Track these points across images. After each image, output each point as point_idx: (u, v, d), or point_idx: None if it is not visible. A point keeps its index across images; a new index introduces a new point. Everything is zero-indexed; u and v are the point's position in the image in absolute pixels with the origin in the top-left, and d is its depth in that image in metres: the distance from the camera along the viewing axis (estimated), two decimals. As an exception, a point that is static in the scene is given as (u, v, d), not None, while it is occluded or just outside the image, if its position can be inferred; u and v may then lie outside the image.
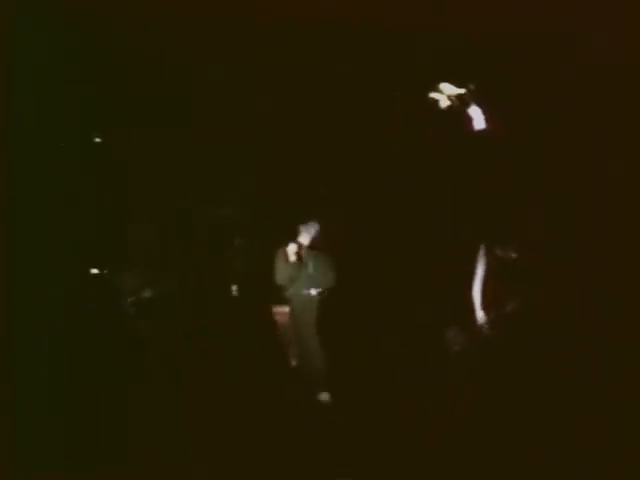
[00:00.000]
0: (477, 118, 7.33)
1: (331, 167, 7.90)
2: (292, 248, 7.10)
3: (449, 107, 7.41)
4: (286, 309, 7.43)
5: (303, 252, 7.16)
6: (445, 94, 7.42)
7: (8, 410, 5.75)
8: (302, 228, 7.23)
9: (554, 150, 7.06)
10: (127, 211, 7.86)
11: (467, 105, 7.35)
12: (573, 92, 6.95)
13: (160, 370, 7.03)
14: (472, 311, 6.95)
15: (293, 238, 7.21)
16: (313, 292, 7.17)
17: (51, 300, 6.39)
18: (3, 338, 5.96)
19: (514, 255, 6.86)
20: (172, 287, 7.86)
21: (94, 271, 7.62)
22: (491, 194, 7.25)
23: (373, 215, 7.84)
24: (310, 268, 7.15)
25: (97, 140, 7.32)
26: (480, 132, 7.37)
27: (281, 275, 7.18)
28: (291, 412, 6.60)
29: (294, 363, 7.45)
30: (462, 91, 7.39)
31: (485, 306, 6.90)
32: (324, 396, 7.02)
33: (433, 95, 7.43)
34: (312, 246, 7.21)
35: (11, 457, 5.43)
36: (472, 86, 7.33)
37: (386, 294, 7.72)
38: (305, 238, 7.20)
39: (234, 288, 8.21)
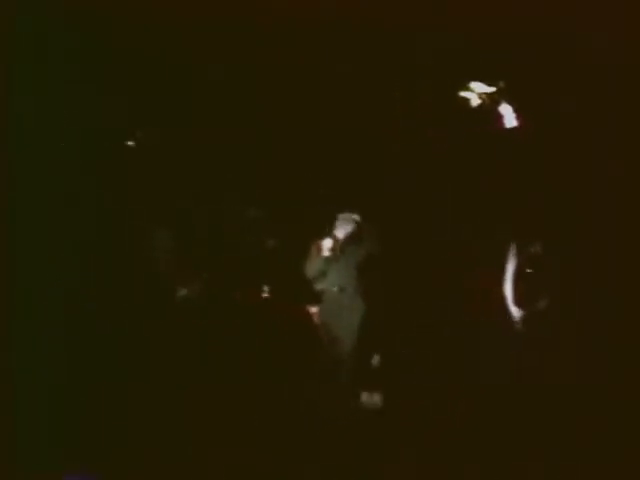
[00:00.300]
0: (508, 116, 7.33)
1: (362, 156, 7.85)
2: (326, 242, 7.07)
3: (480, 105, 7.43)
4: (315, 309, 7.39)
5: (338, 246, 7.13)
6: (476, 92, 7.43)
7: (8, 410, 5.75)
8: (338, 222, 7.19)
9: (563, 149, 7.07)
10: (139, 212, 7.84)
11: (497, 103, 7.36)
12: (574, 92, 6.96)
13: (165, 372, 7.00)
14: (504, 307, 6.95)
15: (323, 235, 7.19)
16: (348, 288, 7.15)
17: (52, 299, 6.39)
18: (3, 338, 5.96)
19: (542, 252, 6.87)
20: (190, 289, 7.85)
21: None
22: (520, 190, 7.25)
23: (400, 213, 7.81)
24: (345, 262, 7.15)
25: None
26: (511, 127, 7.36)
27: (312, 268, 7.15)
28: (318, 416, 6.57)
29: (326, 363, 7.37)
30: (493, 89, 7.40)
31: (517, 302, 6.90)
32: (355, 397, 6.99)
33: (464, 94, 7.45)
34: (348, 240, 7.21)
35: (11, 457, 5.44)
36: (502, 84, 7.34)
37: (417, 294, 7.66)
38: (341, 232, 7.16)
39: (263, 289, 8.14)
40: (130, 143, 7.74)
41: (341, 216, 7.15)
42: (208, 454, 5.70)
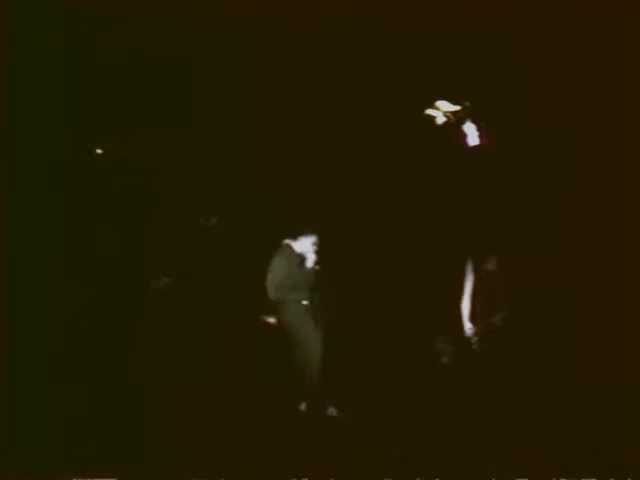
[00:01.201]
0: (471, 134, 7.46)
1: (329, 170, 7.90)
2: (297, 253, 7.08)
3: (445, 123, 7.53)
4: (274, 319, 7.29)
5: (305, 257, 7.13)
6: (442, 111, 7.54)
7: (8, 410, 5.73)
8: (301, 234, 7.18)
9: (553, 155, 7.10)
10: (126, 213, 7.85)
11: (463, 121, 7.47)
12: (573, 93, 6.97)
13: (161, 373, 7.00)
14: (460, 323, 7.01)
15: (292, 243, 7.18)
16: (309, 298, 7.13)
17: (53, 297, 6.36)
18: (3, 338, 5.93)
19: (501, 268, 6.94)
20: (169, 291, 7.87)
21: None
22: (479, 207, 7.33)
23: (367, 222, 7.85)
24: (310, 273, 7.13)
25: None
26: (474, 145, 7.47)
27: (284, 280, 7.08)
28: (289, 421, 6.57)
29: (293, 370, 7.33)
30: (458, 108, 7.51)
31: (473, 318, 6.96)
32: (324, 405, 6.97)
33: (430, 112, 7.55)
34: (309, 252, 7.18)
35: (11, 457, 5.42)
36: (468, 103, 7.46)
37: (378, 302, 7.71)
38: (303, 244, 7.16)
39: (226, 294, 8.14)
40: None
41: (306, 232, 7.16)
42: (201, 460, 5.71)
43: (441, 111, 7.61)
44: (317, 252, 7.11)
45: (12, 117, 6.18)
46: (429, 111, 7.64)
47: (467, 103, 7.51)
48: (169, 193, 8.08)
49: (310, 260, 7.09)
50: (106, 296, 7.50)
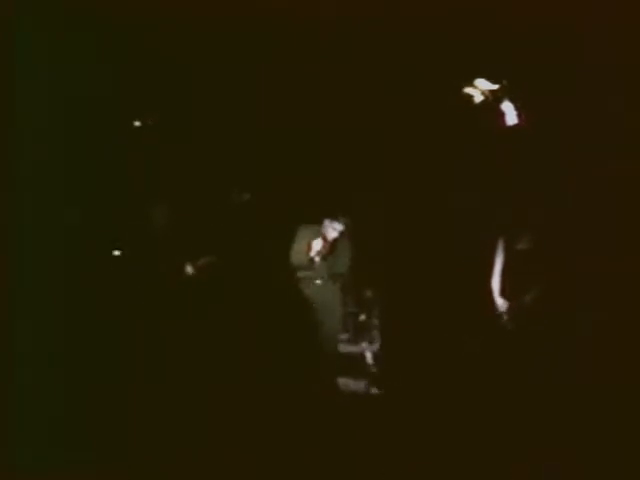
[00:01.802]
0: (509, 114, 7.43)
1: (351, 164, 7.89)
2: (317, 242, 7.15)
3: (483, 102, 7.51)
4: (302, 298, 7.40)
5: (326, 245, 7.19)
6: (480, 90, 7.51)
7: (9, 410, 5.78)
8: (327, 222, 7.24)
9: (560, 148, 7.07)
10: (140, 201, 7.84)
11: (501, 101, 7.44)
12: (574, 90, 6.95)
13: (167, 369, 7.00)
14: (491, 302, 7.03)
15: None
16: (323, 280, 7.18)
17: (54, 293, 6.40)
18: (3, 337, 5.98)
19: (531, 246, 6.95)
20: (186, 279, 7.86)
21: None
22: (507, 187, 7.30)
23: (393, 209, 7.85)
24: (329, 260, 7.19)
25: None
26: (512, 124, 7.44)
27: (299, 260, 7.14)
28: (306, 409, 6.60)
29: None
30: (495, 87, 7.47)
31: (504, 296, 6.98)
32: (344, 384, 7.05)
33: (468, 90, 7.53)
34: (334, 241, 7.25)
35: (10, 457, 5.47)
36: (505, 82, 7.42)
37: (404, 289, 7.71)
38: (328, 231, 7.21)
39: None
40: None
41: (330, 219, 7.20)
42: (206, 456, 5.73)
43: (479, 90, 7.56)
44: (341, 231, 7.23)
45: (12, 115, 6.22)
46: (467, 90, 7.59)
47: (505, 82, 7.45)
48: (199, 169, 8.05)
49: (331, 239, 7.14)
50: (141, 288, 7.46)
